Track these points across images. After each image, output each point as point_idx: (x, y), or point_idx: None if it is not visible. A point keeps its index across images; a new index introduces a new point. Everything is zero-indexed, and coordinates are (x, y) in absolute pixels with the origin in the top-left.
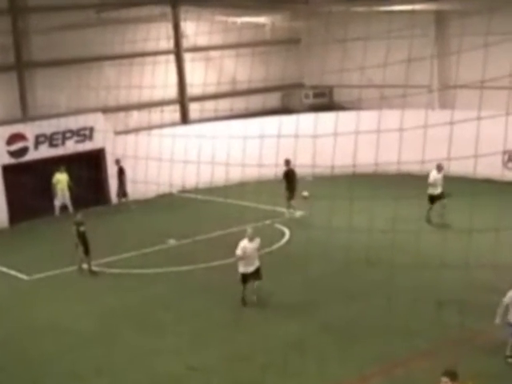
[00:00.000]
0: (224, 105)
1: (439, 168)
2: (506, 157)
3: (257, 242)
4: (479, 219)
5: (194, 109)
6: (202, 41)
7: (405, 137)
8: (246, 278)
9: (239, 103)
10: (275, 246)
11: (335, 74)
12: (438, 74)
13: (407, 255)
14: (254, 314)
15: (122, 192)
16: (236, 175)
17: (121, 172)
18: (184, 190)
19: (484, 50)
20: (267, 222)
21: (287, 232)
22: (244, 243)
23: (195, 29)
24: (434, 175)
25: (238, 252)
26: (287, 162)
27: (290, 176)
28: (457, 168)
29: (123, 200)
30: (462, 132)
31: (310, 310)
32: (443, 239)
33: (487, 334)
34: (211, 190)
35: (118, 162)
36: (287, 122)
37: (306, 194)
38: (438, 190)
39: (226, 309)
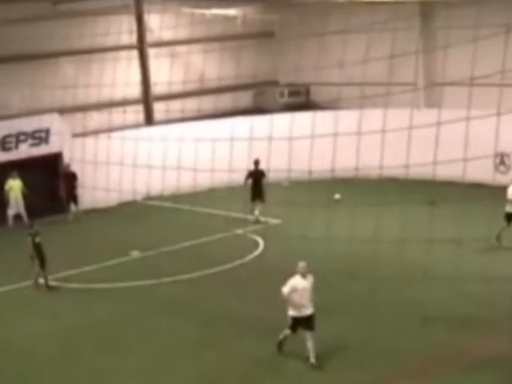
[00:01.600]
0: (191, 104)
1: None
2: (498, 159)
3: (310, 279)
4: (469, 227)
5: (159, 109)
6: (168, 35)
7: (388, 138)
8: (296, 323)
9: (208, 103)
10: (248, 258)
11: (312, 71)
12: (423, 70)
13: (391, 267)
14: (224, 331)
15: (73, 199)
16: (205, 181)
17: (74, 177)
18: (148, 198)
19: (473, 44)
20: (239, 231)
21: (261, 242)
22: (295, 281)
23: (160, 22)
24: None
25: (285, 290)
26: (256, 163)
27: (255, 177)
28: (444, 172)
29: (73, 208)
30: (450, 133)
31: (285, 327)
32: (430, 249)
33: (477, 350)
34: (178, 197)
35: (68, 166)
36: (260, 122)
37: (338, 196)
38: None
39: (194, 326)
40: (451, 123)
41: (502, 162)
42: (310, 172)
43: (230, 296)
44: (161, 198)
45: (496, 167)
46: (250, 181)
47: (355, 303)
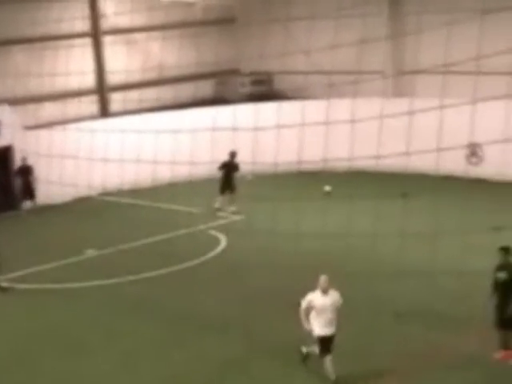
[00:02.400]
0: (150, 94)
1: None
2: (469, 150)
3: (334, 295)
4: (441, 221)
5: (116, 99)
6: (124, 21)
7: (357, 129)
8: (326, 343)
9: (167, 92)
10: (210, 255)
11: (276, 59)
12: (392, 57)
13: (362, 262)
14: (189, 331)
15: (30, 194)
16: (165, 175)
17: (30, 171)
18: (105, 193)
19: (446, 29)
20: (201, 227)
21: (223, 239)
22: (313, 296)
23: (115, 8)
24: None
25: (302, 305)
26: (232, 155)
27: (228, 170)
28: (416, 163)
29: (30, 203)
30: (422, 123)
31: (250, 327)
32: (402, 244)
33: (452, 348)
34: (137, 192)
35: (24, 159)
36: (223, 113)
37: (328, 188)
38: None
39: (157, 325)
40: (423, 113)
41: (474, 154)
42: (276, 164)
43: (193, 294)
44: (118, 192)
45: (467, 158)
46: (221, 172)
47: None
